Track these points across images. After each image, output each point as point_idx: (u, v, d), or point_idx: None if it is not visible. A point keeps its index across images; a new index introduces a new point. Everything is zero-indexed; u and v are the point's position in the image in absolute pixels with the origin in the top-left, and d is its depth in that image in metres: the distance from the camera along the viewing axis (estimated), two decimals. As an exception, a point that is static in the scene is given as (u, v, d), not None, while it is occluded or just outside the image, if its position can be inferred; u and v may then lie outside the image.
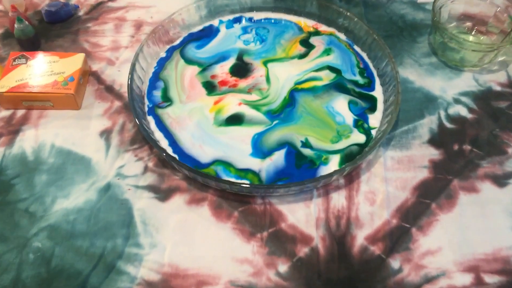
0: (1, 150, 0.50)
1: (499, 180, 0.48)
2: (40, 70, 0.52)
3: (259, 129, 0.51)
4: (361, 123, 0.51)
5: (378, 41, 0.55)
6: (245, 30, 0.60)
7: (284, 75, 0.55)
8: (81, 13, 0.62)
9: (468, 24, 0.60)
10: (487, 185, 0.48)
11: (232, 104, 0.53)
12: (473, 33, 0.60)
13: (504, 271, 0.43)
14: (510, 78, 0.57)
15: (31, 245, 0.44)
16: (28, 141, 0.50)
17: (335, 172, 0.46)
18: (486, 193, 0.47)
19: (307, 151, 0.49)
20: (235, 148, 0.49)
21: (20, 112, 0.53)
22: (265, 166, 0.48)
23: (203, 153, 0.49)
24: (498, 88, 0.56)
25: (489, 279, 0.42)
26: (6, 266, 0.42)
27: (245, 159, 0.49)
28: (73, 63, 0.53)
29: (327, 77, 0.55)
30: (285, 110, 0.52)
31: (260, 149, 0.49)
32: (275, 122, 0.51)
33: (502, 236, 0.45)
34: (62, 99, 0.51)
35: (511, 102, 0.54)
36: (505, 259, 0.43)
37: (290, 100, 0.53)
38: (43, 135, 0.51)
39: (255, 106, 0.52)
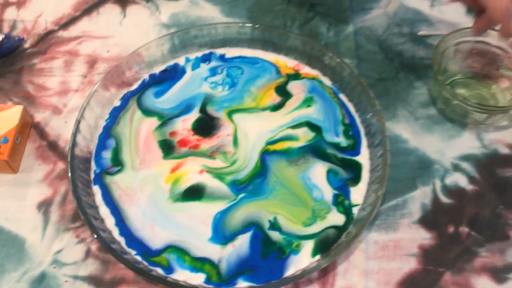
0: None
1: (499, 275, 0.41)
2: (-31, 128, 0.45)
3: (222, 206, 0.43)
4: (341, 200, 0.44)
5: (367, 93, 0.47)
6: (214, 71, 0.51)
7: (254, 132, 0.47)
8: (26, 45, 0.54)
9: (476, 65, 0.51)
10: (484, 280, 0.41)
11: (192, 172, 0.45)
12: (481, 77, 0.51)
13: None
14: (521, 137, 0.49)
15: None
16: (-46, 215, 0.44)
17: (306, 272, 0.39)
18: (483, 293, 0.40)
19: (275, 235, 0.42)
20: (193, 230, 0.42)
21: (-52, 176, 0.46)
22: (226, 254, 0.41)
23: (155, 236, 0.42)
24: (506, 151, 0.48)
25: None
26: None
27: (204, 245, 0.42)
28: (9, 118, 0.46)
29: (304, 136, 0.47)
30: (254, 181, 0.45)
31: (221, 233, 0.42)
32: (241, 195, 0.44)
33: None
34: (-6, 164, 0.44)
35: (521, 170, 0.47)
36: None
37: (262, 169, 0.45)
38: (-29, 208, 0.44)
39: (219, 175, 0.45)
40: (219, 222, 0.43)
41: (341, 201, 0.44)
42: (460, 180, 0.46)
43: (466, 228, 0.44)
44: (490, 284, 0.41)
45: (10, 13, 0.57)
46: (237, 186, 0.44)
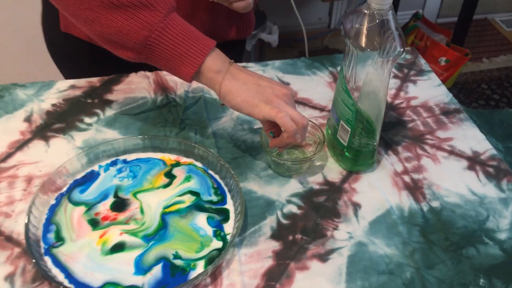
0: None
1: (322, 257, 0.65)
2: None
3: (138, 251, 0.64)
4: (218, 232, 0.67)
5: (224, 165, 0.73)
6: (120, 170, 0.74)
7: (154, 202, 0.70)
8: (-24, 175, 0.73)
9: (292, 140, 0.80)
10: (314, 262, 0.65)
11: (114, 235, 0.66)
12: (296, 148, 0.80)
13: (331, 325, 0.58)
14: (326, 177, 0.76)
15: None
16: None
17: (199, 275, 0.60)
18: (314, 269, 0.64)
19: (178, 262, 0.63)
20: (121, 270, 0.62)
21: None
22: (147, 280, 0.61)
23: (95, 279, 0.61)
24: (317, 187, 0.75)
25: (321, 334, 0.58)
26: None
27: (130, 277, 0.61)
28: (-25, 223, 0.64)
29: (189, 199, 0.71)
30: (159, 233, 0.66)
31: (141, 268, 0.62)
32: (151, 243, 0.65)
33: (327, 300, 0.61)
34: (-33, 255, 0.61)
35: (327, 196, 0.73)
36: (330, 316, 0.59)
37: (163, 224, 0.67)
38: (-48, 290, 0.60)
39: (134, 233, 0.66)
40: (138, 262, 0.63)
41: (219, 233, 0.67)
42: (292, 208, 0.72)
43: (299, 235, 0.68)
44: (318, 264, 0.65)
45: (-40, 157, 0.76)
46: (147, 237, 0.66)
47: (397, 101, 0.90)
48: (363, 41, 0.65)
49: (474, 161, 0.79)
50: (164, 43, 0.66)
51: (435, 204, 0.72)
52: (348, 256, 0.66)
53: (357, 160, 0.76)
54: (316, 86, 0.93)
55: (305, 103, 0.89)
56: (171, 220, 0.68)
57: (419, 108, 0.89)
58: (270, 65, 0.98)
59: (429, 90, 0.93)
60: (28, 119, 0.83)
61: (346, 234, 0.68)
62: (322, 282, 0.63)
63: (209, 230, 0.67)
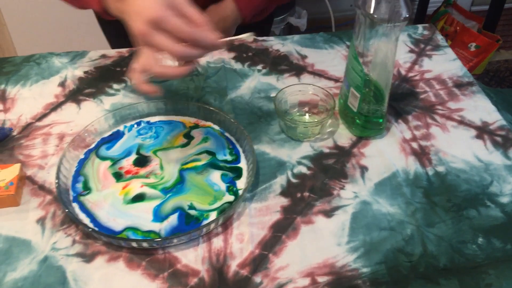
0: (-41, 244, 0.65)
1: (328, 213, 0.69)
2: (-14, 180, 0.69)
3: (157, 202, 0.70)
4: (231, 188, 0.72)
5: (239, 127, 0.78)
6: (142, 131, 0.80)
7: (173, 160, 0.75)
8: (14, 133, 0.80)
9: (305, 108, 0.84)
10: (319, 217, 0.69)
11: (136, 187, 0.71)
12: (309, 114, 0.84)
13: (331, 272, 0.62)
14: (336, 142, 0.80)
15: (-11, 309, 0.58)
16: (-20, 234, 0.66)
17: (211, 222, 0.65)
18: (319, 223, 0.68)
19: (193, 212, 0.68)
20: (140, 217, 0.68)
21: (-28, 214, 0.69)
22: (163, 227, 0.67)
23: (117, 224, 0.67)
24: (327, 151, 0.79)
25: (321, 279, 0.62)
26: (-29, 326, 0.57)
27: (148, 224, 0.67)
28: (12, 171, 0.71)
29: (205, 158, 0.76)
30: (177, 186, 0.72)
31: (159, 216, 0.68)
32: (168, 195, 0.70)
33: (329, 250, 0.65)
34: (5, 199, 0.68)
35: (336, 159, 0.77)
36: (331, 264, 0.63)
37: (180, 178, 0.73)
38: (-9, 228, 0.67)
39: (153, 186, 0.72)
40: (156, 210, 0.69)
41: (231, 188, 0.72)
42: (302, 169, 0.76)
43: (307, 193, 0.72)
44: (323, 219, 0.69)
45: (0, 116, 0.83)
46: (165, 190, 0.71)
47: (411, 74, 0.93)
48: (371, 8, 0.68)
49: (482, 131, 0.81)
50: None
51: (441, 169, 0.75)
52: (352, 213, 0.69)
53: (367, 126, 0.79)
54: (332, 59, 0.96)
55: (320, 74, 0.93)
56: (188, 175, 0.73)
57: (432, 80, 0.91)
58: (289, 39, 1.01)
59: (444, 64, 0.95)
60: (62, 84, 0.90)
61: (352, 193, 0.72)
62: (326, 235, 0.67)
63: (223, 186, 0.72)
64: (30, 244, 0.65)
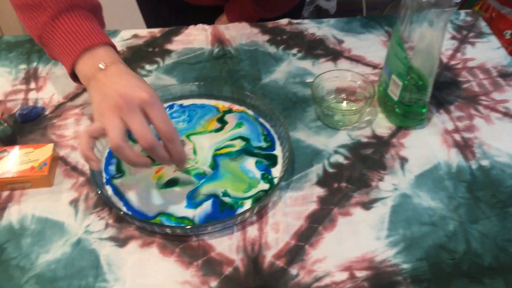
0: (-8, 224, 0.64)
1: (366, 205, 0.67)
2: (19, 160, 0.68)
3: (190, 188, 0.68)
4: (266, 176, 0.70)
5: (274, 113, 0.75)
6: (176, 114, 0.78)
7: (206, 144, 0.73)
8: (47, 112, 0.79)
9: (343, 95, 0.81)
10: (357, 209, 0.67)
11: (169, 171, 0.70)
12: (346, 101, 0.81)
13: (370, 267, 0.60)
14: (374, 131, 0.77)
15: (23, 290, 0.58)
16: (13, 214, 0.65)
17: (246, 210, 0.63)
18: (357, 215, 0.66)
19: (227, 199, 0.67)
20: (173, 203, 0.66)
21: (4, 194, 0.68)
22: (197, 213, 0.65)
23: (150, 209, 0.66)
24: (365, 140, 0.76)
25: (359, 274, 0.60)
26: (5, 307, 0.56)
27: (182, 210, 0.66)
28: (45, 151, 0.70)
29: (239, 144, 0.74)
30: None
31: (192, 202, 0.66)
32: (202, 181, 0.69)
33: (368, 244, 0.63)
34: (38, 180, 0.67)
35: (375, 149, 0.75)
36: (370, 259, 0.61)
37: (214, 165, 0.71)
38: (25, 209, 0.66)
39: (187, 171, 0.70)
40: (190, 196, 0.67)
41: (266, 176, 0.70)
42: (339, 158, 0.73)
43: (344, 184, 0.70)
44: (361, 211, 0.67)
45: (32, 94, 0.82)
46: (199, 176, 0.70)
47: (453, 62, 0.89)
48: (420, -8, 0.64)
49: (529, 124, 0.78)
50: (52, 42, 0.67)
51: (485, 162, 0.72)
52: (392, 206, 0.67)
53: (407, 116, 0.76)
54: (370, 44, 0.93)
55: (358, 60, 0.90)
56: (222, 161, 0.71)
57: (475, 69, 0.87)
58: (325, 23, 0.98)
59: (488, 52, 0.91)
60: (93, 64, 0.88)
61: (391, 185, 0.70)
62: (364, 228, 0.64)
63: (257, 173, 0.70)
64: (63, 226, 0.64)
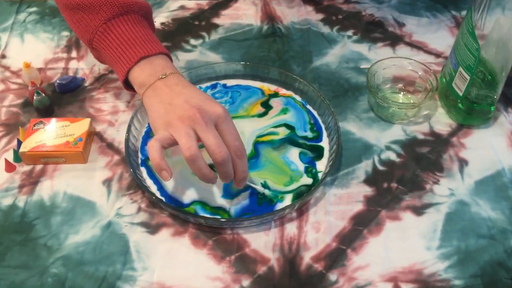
0: (24, 198, 0.62)
1: (418, 210, 0.61)
2: (55, 133, 0.66)
3: (228, 175, 0.64)
4: (310, 169, 0.65)
5: (324, 101, 0.70)
6: (218, 94, 0.74)
7: (248, 130, 0.69)
8: (87, 84, 0.77)
9: (400, 85, 0.74)
10: (407, 214, 0.61)
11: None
12: (403, 92, 0.74)
13: (417, 280, 0.55)
14: (432, 128, 0.70)
15: (49, 271, 0.56)
16: (45, 190, 0.63)
17: (287, 207, 0.59)
18: (407, 221, 0.60)
19: (266, 192, 0.62)
20: (209, 191, 0.62)
21: (39, 167, 0.66)
22: (234, 204, 0.61)
23: (184, 195, 0.62)
24: (421, 137, 0.69)
25: (405, 286, 0.54)
26: None
27: (217, 199, 0.62)
28: (81, 126, 0.67)
29: (283, 132, 0.69)
30: (251, 161, 0.65)
31: (229, 192, 0.62)
32: (241, 169, 0.65)
33: (417, 254, 0.57)
34: (73, 155, 0.65)
35: (431, 148, 0.68)
36: (418, 271, 0.56)
37: (255, 153, 0.66)
38: (57, 185, 0.64)
39: (226, 157, 0.66)
40: (227, 185, 0.63)
41: (310, 170, 0.65)
42: (391, 155, 0.67)
43: (395, 184, 0.64)
44: (412, 216, 0.61)
45: (73, 64, 0.80)
46: (238, 163, 0.65)
47: (527, 55, 0.80)
48: (503, -24, 0.56)
49: None
50: (104, 47, 0.64)
51: (557, 173, 0.64)
52: (446, 214, 0.61)
53: (471, 114, 0.69)
54: (435, 29, 0.85)
55: (419, 46, 0.82)
56: (264, 150, 0.67)
57: (553, 65, 0.78)
58: (386, 3, 0.90)
59: None
60: (137, 36, 0.85)
61: (447, 190, 0.63)
62: (414, 236, 0.59)
63: (301, 166, 0.65)
64: (94, 207, 0.62)
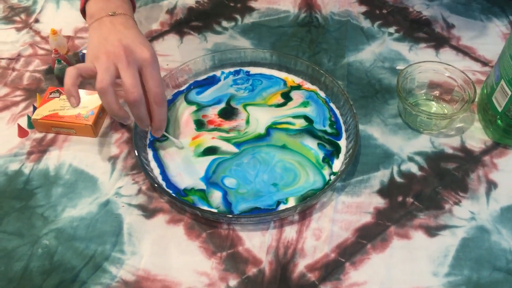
0: (31, 165, 0.63)
1: (431, 231, 0.56)
2: (69, 104, 0.65)
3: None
4: (327, 160, 0.61)
5: (348, 101, 0.65)
6: (240, 81, 0.71)
7: (263, 117, 0.66)
8: (111, 57, 0.76)
9: (436, 92, 0.69)
10: (419, 234, 0.56)
11: (207, 139, 0.64)
12: (438, 100, 0.68)
13: (416, 308, 0.51)
14: (464, 143, 0.64)
15: (41, 242, 0.56)
16: (52, 159, 0.63)
17: (288, 208, 0.56)
18: (417, 241, 0.55)
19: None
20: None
21: (50, 136, 0.66)
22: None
23: (182, 181, 0.60)
24: (450, 151, 0.64)
25: (401, 313, 0.50)
26: (20, 256, 0.55)
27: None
28: (96, 100, 0.66)
29: (300, 124, 0.65)
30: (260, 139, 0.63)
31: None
32: (243, 148, 0.62)
33: (421, 278, 0.53)
34: (82, 128, 0.64)
35: (459, 164, 0.62)
36: (419, 298, 0.51)
37: (265, 135, 0.64)
38: (64, 156, 0.63)
39: (227, 139, 0.63)
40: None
41: (327, 161, 0.61)
42: (412, 167, 0.62)
43: (411, 199, 0.59)
44: (424, 236, 0.56)
45: (101, 35, 0.79)
46: (238, 144, 0.63)
47: None
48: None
49: None
50: None
51: None
52: (462, 239, 0.55)
53: (510, 132, 0.62)
54: (487, 35, 0.78)
55: (466, 52, 0.75)
56: (276, 134, 0.64)
57: None
58: (437, 1, 0.83)
59: None
60: (170, 11, 0.83)
61: (468, 213, 0.58)
62: (421, 258, 0.54)
63: (320, 153, 0.62)
64: (96, 183, 0.61)
